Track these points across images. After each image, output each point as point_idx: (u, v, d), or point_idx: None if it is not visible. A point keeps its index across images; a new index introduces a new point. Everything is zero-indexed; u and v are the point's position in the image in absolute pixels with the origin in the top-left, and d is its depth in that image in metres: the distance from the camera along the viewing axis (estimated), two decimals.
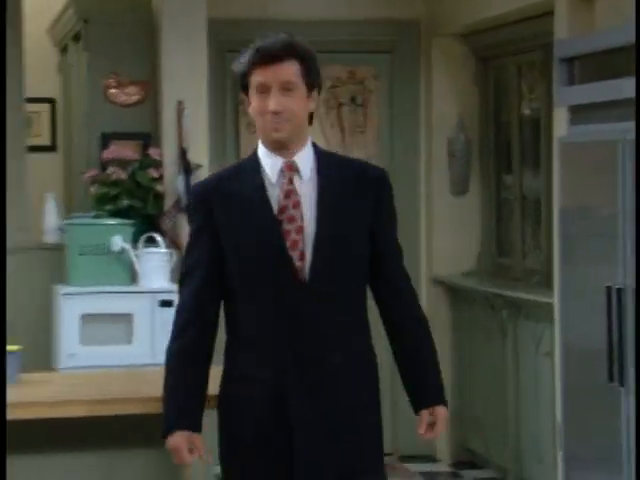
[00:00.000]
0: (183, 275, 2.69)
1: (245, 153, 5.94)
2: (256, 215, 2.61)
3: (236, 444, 2.65)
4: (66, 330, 4.84)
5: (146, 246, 5.06)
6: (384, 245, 2.70)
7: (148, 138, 5.44)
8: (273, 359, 2.61)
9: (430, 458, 5.96)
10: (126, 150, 5.33)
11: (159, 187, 5.28)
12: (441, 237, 6.05)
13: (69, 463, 2.90)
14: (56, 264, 5.18)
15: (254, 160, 2.66)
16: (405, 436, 5.95)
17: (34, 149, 5.93)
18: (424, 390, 2.74)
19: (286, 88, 2.59)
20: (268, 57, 2.58)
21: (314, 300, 2.60)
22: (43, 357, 4.89)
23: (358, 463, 2.64)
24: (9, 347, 3.01)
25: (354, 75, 6.08)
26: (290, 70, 2.59)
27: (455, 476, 5.73)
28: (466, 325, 5.85)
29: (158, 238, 5.09)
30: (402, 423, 6.02)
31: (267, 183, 2.63)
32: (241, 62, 2.63)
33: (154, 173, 5.27)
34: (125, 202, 5.21)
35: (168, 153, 5.33)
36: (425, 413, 2.72)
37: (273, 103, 2.58)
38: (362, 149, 6.07)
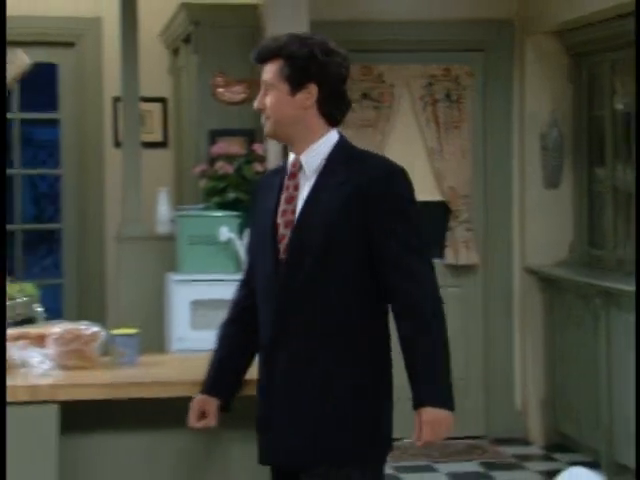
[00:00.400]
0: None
1: None
2: (266, 208, 2.68)
3: None
4: (177, 315, 4.97)
5: None
6: (381, 245, 2.56)
7: (252, 134, 5.54)
8: (261, 346, 2.67)
9: (523, 441, 5.95)
10: (232, 146, 5.44)
11: None
12: (534, 228, 6.02)
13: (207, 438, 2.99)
14: (168, 253, 5.30)
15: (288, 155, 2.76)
16: (497, 419, 5.96)
17: (147, 145, 6.07)
18: (413, 391, 2.56)
19: (266, 88, 2.65)
20: (255, 60, 2.68)
21: (287, 292, 2.59)
22: (156, 340, 5.02)
23: (310, 455, 2.57)
24: (130, 330, 3.09)
25: (449, 72, 6.07)
26: (269, 70, 2.64)
27: (548, 459, 5.70)
28: (558, 313, 5.82)
29: None
30: (494, 407, 6.03)
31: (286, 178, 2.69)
32: None
33: (258, 167, 5.37)
34: (232, 195, 5.31)
35: (271, 149, 5.41)
36: (415, 416, 2.56)
37: (255, 102, 2.70)
38: (457, 143, 6.07)
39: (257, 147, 5.41)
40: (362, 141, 5.97)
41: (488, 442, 5.88)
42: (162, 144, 6.74)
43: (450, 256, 6.04)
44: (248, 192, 5.33)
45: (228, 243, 5.10)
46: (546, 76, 6.00)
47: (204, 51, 5.57)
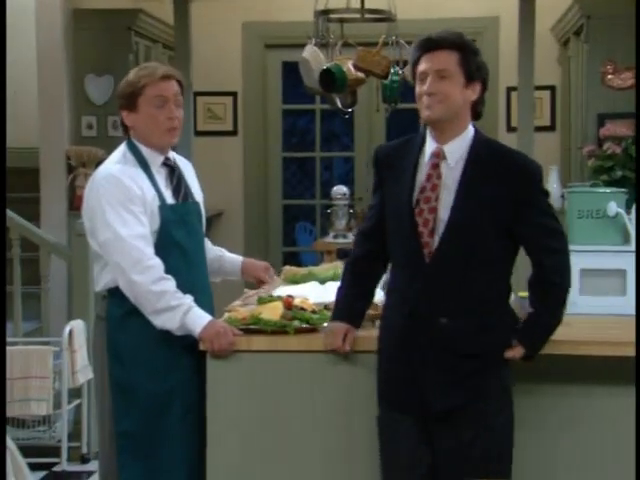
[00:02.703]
0: None
1: None
2: (402, 190, 2.54)
3: None
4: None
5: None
6: (526, 230, 2.55)
7: None
8: (399, 313, 2.56)
9: None
10: (620, 127, 5.23)
11: None
12: None
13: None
14: None
15: (422, 137, 2.56)
16: None
17: (536, 129, 5.96)
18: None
19: (441, 75, 2.47)
20: (425, 46, 2.50)
21: (434, 270, 2.50)
22: None
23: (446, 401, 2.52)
24: (524, 293, 3.02)
25: None
26: (445, 58, 2.47)
27: None
28: None
29: None
30: None
31: (421, 162, 2.54)
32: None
33: None
34: (618, 173, 5.10)
35: None
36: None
37: (427, 86, 2.49)
38: None
39: None
40: None
41: None
42: (550, 128, 6.60)
43: None
44: (635, 170, 5.08)
45: (616, 217, 4.87)
46: None
47: (594, 41, 5.39)
